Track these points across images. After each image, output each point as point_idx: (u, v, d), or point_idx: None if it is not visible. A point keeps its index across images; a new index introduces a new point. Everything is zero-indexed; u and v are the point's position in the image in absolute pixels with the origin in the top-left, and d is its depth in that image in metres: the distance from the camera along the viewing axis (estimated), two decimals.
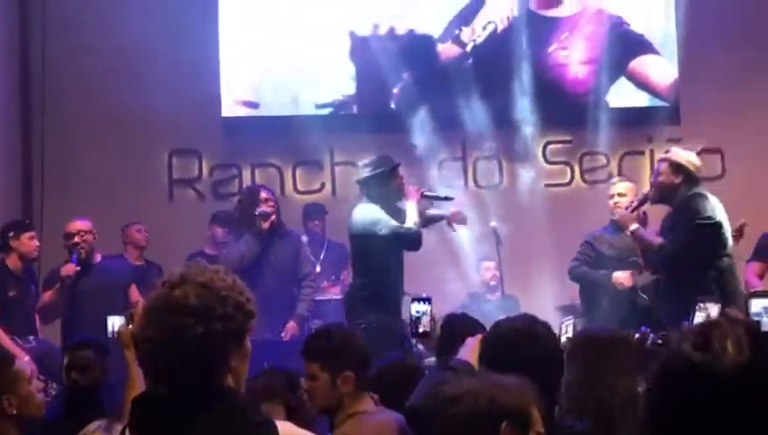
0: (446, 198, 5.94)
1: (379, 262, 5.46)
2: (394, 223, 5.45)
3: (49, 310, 6.07)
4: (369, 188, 5.62)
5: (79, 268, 5.84)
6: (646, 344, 4.13)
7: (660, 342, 3.99)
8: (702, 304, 4.25)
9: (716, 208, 5.15)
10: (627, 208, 5.36)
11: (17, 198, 7.57)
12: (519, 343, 2.58)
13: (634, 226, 5.26)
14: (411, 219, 5.47)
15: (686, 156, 5.27)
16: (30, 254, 5.89)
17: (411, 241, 5.49)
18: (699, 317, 3.65)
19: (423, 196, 5.69)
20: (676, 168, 5.17)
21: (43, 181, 7.57)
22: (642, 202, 5.36)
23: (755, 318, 4.13)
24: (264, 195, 6.10)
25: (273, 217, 6.01)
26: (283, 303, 5.94)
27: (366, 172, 5.70)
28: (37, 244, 5.94)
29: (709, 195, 5.20)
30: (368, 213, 5.51)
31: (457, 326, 3.50)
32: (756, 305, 3.96)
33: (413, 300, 4.47)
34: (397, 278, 5.55)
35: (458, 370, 2.69)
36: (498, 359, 2.52)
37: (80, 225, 6.00)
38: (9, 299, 5.76)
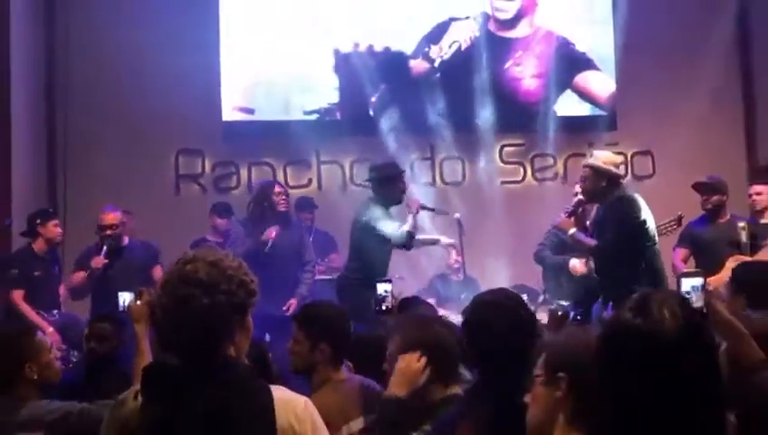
0: (438, 211, 6.11)
1: (373, 255, 5.55)
2: (393, 227, 5.55)
3: (79, 290, 6.02)
4: (377, 187, 5.68)
5: (107, 261, 5.79)
6: (567, 319, 4.13)
7: (579, 318, 3.98)
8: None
9: (641, 207, 5.00)
10: (564, 213, 5.17)
11: (43, 190, 7.52)
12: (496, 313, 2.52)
13: (572, 230, 5.11)
14: (409, 225, 5.57)
15: (604, 158, 5.11)
16: (54, 239, 5.84)
17: (403, 244, 5.61)
18: None
19: (421, 207, 5.76)
20: (599, 172, 4.99)
21: (65, 176, 7.51)
22: (577, 207, 5.18)
23: (685, 296, 4.15)
24: (277, 189, 6.13)
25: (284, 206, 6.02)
26: (287, 283, 5.93)
27: (375, 174, 5.75)
28: (60, 230, 5.90)
29: (634, 195, 5.06)
30: (375, 214, 5.58)
31: (409, 307, 3.56)
32: (686, 284, 3.97)
33: (378, 281, 4.49)
34: (384, 267, 5.59)
35: None
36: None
37: (111, 218, 5.93)
38: (35, 278, 5.73)
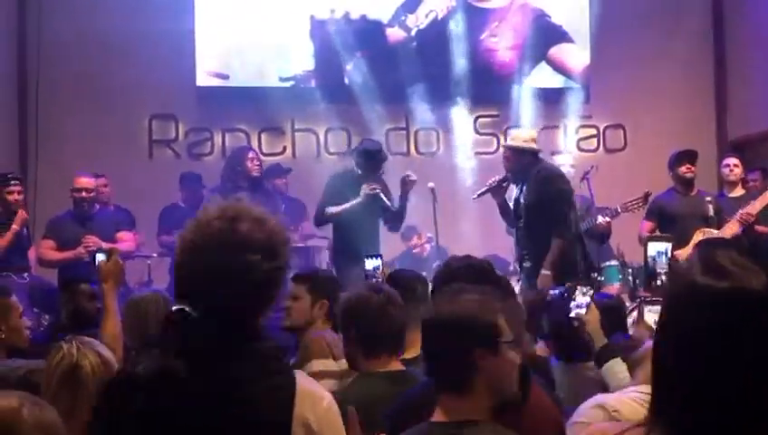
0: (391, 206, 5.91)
1: (343, 223, 5.62)
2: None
3: (51, 265, 5.92)
4: (360, 161, 5.71)
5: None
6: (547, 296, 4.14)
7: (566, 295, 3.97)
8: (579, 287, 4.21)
9: (564, 176, 5.32)
10: (488, 185, 5.39)
11: (15, 155, 7.39)
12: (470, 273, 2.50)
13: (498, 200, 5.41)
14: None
15: (523, 136, 5.29)
16: (11, 204, 5.65)
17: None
18: (580, 298, 3.69)
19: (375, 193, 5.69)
20: (519, 151, 5.18)
21: (37, 141, 7.38)
22: (500, 183, 5.34)
23: (651, 260, 4.17)
24: (250, 155, 6.07)
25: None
26: None
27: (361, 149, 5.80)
28: (17, 197, 5.68)
29: (554, 166, 5.38)
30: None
31: (401, 280, 3.55)
32: (652, 249, 4.01)
33: (367, 256, 4.56)
34: (361, 237, 5.53)
35: None
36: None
37: (85, 182, 5.87)
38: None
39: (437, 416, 1.84)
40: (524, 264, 5.25)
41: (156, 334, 3.26)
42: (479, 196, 5.53)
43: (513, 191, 5.43)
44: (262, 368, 1.60)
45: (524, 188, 5.25)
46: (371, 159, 5.71)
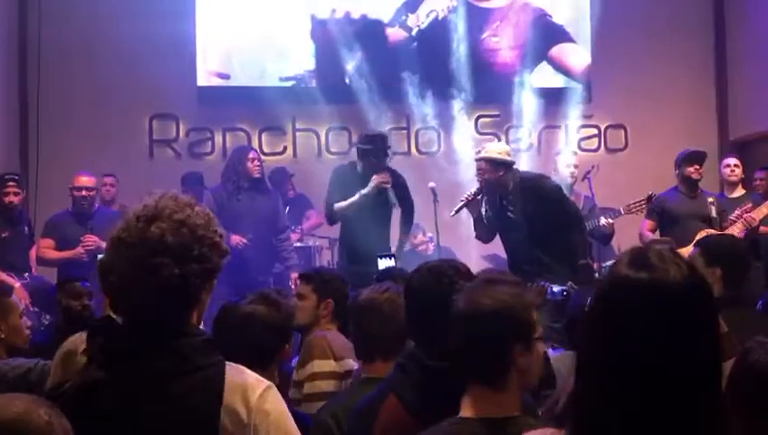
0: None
1: (351, 219, 5.52)
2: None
3: (49, 264, 5.92)
4: (363, 158, 5.61)
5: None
6: (545, 295, 4.13)
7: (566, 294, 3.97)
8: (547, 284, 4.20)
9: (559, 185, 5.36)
10: (464, 200, 5.34)
11: (16, 155, 7.36)
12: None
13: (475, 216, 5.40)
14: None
15: (497, 149, 5.26)
16: (7, 205, 5.64)
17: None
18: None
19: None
20: (495, 163, 5.15)
21: (38, 141, 7.36)
22: (475, 196, 5.32)
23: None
24: (251, 155, 6.05)
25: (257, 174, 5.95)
26: (262, 248, 5.87)
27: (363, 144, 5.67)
28: (14, 198, 5.66)
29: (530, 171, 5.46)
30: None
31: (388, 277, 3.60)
32: None
33: (380, 256, 4.56)
34: (370, 234, 5.46)
35: None
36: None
37: (86, 180, 5.89)
38: (3, 240, 5.62)
39: (467, 411, 1.79)
40: (525, 267, 5.15)
41: None
42: (456, 212, 5.44)
43: (483, 206, 5.40)
44: (186, 364, 1.58)
45: (505, 201, 5.21)
46: (375, 144, 5.61)
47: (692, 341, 1.20)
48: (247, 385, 1.62)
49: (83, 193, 5.82)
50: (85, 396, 1.57)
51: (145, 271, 1.57)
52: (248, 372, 1.67)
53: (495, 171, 5.15)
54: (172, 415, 1.55)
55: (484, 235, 5.51)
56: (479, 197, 5.32)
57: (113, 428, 1.56)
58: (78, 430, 1.42)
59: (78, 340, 2.70)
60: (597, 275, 5.45)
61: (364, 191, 5.47)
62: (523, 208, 5.14)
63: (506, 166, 5.17)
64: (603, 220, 5.82)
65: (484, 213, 5.38)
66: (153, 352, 1.58)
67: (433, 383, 2.01)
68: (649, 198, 5.86)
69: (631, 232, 6.19)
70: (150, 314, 1.60)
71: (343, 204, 5.52)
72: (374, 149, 5.55)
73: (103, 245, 5.21)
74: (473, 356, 1.81)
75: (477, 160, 5.27)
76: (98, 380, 1.58)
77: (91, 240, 5.64)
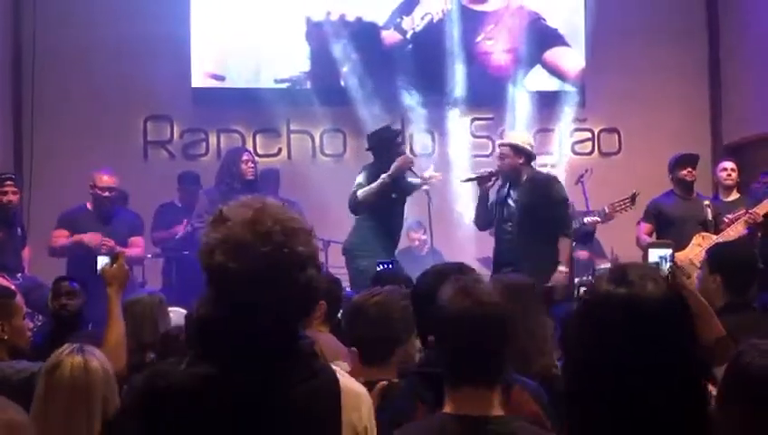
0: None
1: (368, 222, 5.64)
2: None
3: (60, 253, 5.89)
4: (376, 153, 5.68)
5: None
6: (555, 294, 4.15)
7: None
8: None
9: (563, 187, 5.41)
10: (478, 174, 5.49)
11: (10, 155, 7.34)
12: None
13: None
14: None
15: (521, 137, 5.35)
16: (3, 204, 5.64)
17: (386, 191, 5.55)
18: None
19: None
20: (518, 150, 5.22)
21: (32, 141, 7.33)
22: (490, 175, 5.37)
23: (653, 265, 4.18)
24: (245, 157, 6.03)
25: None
26: None
27: (372, 141, 5.76)
28: (10, 198, 5.63)
29: (550, 173, 5.47)
30: (357, 180, 5.63)
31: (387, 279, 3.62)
32: (653, 255, 3.99)
33: (379, 263, 4.59)
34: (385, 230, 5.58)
35: None
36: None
37: (108, 180, 5.86)
38: None
39: (450, 408, 1.78)
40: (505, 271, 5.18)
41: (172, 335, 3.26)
42: (467, 180, 5.65)
43: (492, 194, 5.46)
44: (306, 368, 1.60)
45: (513, 190, 5.26)
46: (381, 139, 5.68)
47: (667, 352, 1.26)
48: (354, 391, 1.67)
49: (106, 193, 5.80)
50: (206, 389, 1.53)
51: (275, 281, 1.55)
52: (350, 377, 1.72)
53: (517, 158, 5.22)
54: (295, 419, 1.55)
55: (481, 219, 5.55)
56: (493, 178, 5.40)
57: (226, 426, 1.53)
58: (185, 425, 1.45)
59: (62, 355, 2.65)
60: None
61: (387, 174, 5.52)
62: (525, 203, 5.18)
63: (527, 156, 5.25)
64: (588, 219, 5.92)
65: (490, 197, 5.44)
66: (275, 353, 1.57)
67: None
68: (633, 197, 5.90)
69: (622, 234, 6.20)
70: (282, 317, 1.58)
71: (368, 189, 5.54)
72: (386, 141, 5.66)
73: (117, 248, 5.21)
74: (473, 357, 1.79)
75: (501, 145, 5.40)
76: (209, 376, 1.53)
77: (110, 244, 5.57)
